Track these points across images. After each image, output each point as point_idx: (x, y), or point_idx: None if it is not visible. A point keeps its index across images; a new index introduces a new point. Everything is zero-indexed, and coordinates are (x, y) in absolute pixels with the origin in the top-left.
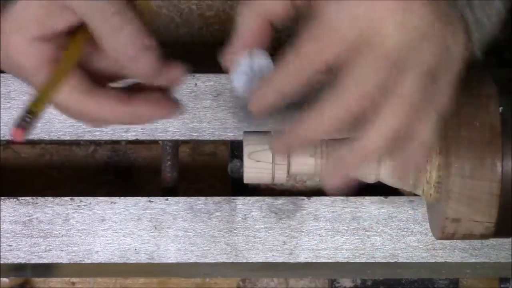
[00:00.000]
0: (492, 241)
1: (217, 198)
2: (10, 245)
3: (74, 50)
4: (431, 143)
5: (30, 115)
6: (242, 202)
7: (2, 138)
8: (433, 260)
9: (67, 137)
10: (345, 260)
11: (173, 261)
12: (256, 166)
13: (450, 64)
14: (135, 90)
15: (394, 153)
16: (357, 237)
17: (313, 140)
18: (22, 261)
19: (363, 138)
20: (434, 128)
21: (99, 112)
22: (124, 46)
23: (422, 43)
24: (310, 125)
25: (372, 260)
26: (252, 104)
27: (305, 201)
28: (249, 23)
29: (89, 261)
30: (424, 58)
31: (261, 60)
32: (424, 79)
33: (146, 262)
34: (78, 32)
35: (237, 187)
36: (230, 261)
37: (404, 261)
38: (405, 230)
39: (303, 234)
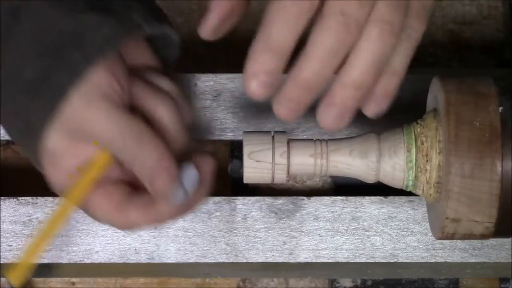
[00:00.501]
0: (492, 241)
1: (217, 198)
2: (10, 245)
3: (91, 173)
4: (404, 73)
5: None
6: (242, 202)
7: (2, 138)
8: (433, 260)
9: None
10: (345, 260)
11: (173, 261)
12: (256, 166)
13: None
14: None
15: (370, 84)
16: (357, 237)
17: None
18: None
19: (345, 69)
20: (409, 56)
21: (127, 221)
22: (141, 168)
23: None
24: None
25: (372, 260)
26: (252, 88)
27: (305, 201)
28: None
29: (89, 261)
30: None
31: (190, 173)
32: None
33: (146, 262)
34: (97, 156)
35: (237, 187)
36: (230, 261)
37: (404, 261)
38: (405, 230)
39: (303, 234)
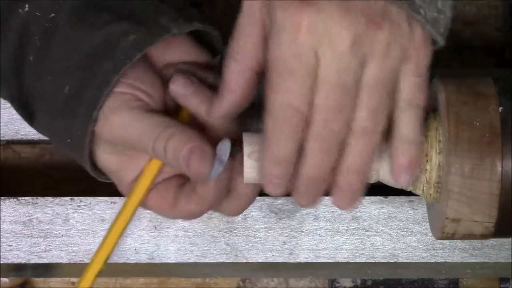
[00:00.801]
0: (492, 241)
1: None
2: (10, 245)
3: (145, 180)
4: (418, 137)
5: None
6: None
7: (2, 138)
8: (433, 260)
9: None
10: (345, 260)
11: (173, 261)
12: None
13: (412, 70)
14: None
15: (368, 165)
16: (357, 237)
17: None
18: (22, 261)
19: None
20: (417, 121)
21: (184, 213)
22: (175, 160)
23: (366, 64)
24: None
25: (372, 260)
26: (271, 190)
27: None
28: (235, 78)
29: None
30: (376, 81)
31: (224, 145)
32: (380, 98)
33: (146, 262)
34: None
35: None
36: (230, 261)
37: (404, 261)
38: (405, 230)
39: (303, 234)
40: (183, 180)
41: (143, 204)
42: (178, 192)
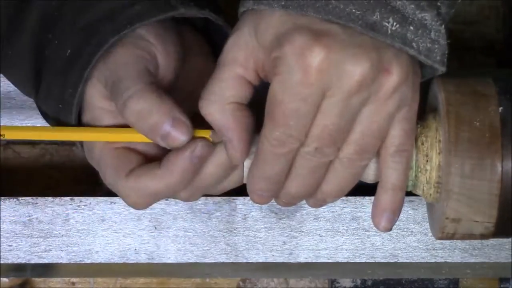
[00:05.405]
0: (492, 241)
1: (217, 198)
2: (10, 245)
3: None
4: (405, 186)
5: None
6: (242, 202)
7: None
8: (433, 260)
9: None
10: (345, 260)
11: (173, 261)
12: None
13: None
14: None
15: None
16: (357, 237)
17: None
18: (22, 261)
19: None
20: (406, 170)
21: (139, 188)
22: (153, 128)
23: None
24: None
25: (372, 260)
26: (255, 200)
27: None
28: (221, 119)
29: (89, 261)
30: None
31: None
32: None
33: (146, 262)
34: None
35: (237, 187)
36: (230, 261)
37: (404, 261)
38: (405, 230)
39: (303, 234)
40: (143, 157)
41: (100, 158)
42: (140, 166)
